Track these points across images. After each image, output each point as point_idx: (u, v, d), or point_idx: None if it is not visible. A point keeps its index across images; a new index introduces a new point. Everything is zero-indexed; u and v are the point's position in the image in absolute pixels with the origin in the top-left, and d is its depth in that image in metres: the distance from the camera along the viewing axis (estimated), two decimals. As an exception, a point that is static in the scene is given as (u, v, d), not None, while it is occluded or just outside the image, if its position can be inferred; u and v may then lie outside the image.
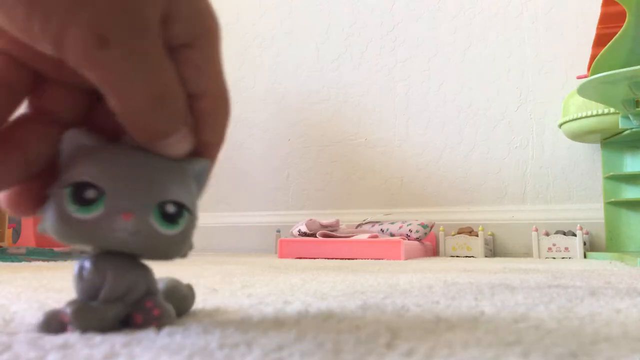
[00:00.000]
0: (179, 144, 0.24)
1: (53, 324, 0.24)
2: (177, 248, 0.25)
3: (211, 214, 1.92)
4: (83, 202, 0.23)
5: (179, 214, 0.24)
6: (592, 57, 1.13)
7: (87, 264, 0.24)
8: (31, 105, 0.25)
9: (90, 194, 0.23)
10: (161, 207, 0.24)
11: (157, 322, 0.25)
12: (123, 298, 0.25)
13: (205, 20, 0.24)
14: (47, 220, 0.24)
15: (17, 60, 0.24)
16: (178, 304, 0.28)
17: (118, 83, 0.21)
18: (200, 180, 0.26)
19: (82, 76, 0.24)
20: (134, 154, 0.24)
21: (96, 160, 0.24)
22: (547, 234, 1.44)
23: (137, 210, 0.23)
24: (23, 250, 1.15)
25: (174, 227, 0.24)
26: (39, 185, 0.24)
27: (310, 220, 1.40)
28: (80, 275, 0.24)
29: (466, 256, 1.47)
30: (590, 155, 1.55)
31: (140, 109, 0.22)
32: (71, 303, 0.24)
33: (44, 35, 0.21)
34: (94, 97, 0.25)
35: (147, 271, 0.26)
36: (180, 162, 0.25)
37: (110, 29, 0.21)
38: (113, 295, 0.24)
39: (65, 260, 1.15)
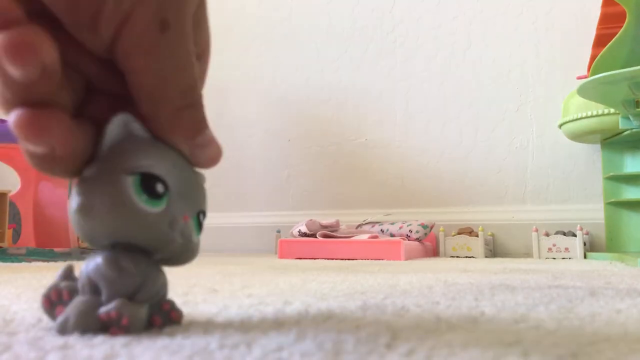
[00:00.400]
0: (206, 148, 0.25)
1: (91, 324, 0.22)
2: (194, 255, 0.26)
3: (211, 214, 1.91)
4: (153, 194, 0.23)
5: (202, 224, 0.26)
6: (592, 58, 1.13)
7: (126, 261, 0.23)
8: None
9: (160, 187, 0.23)
10: (198, 215, 0.25)
11: (174, 324, 0.25)
12: (153, 299, 0.24)
13: (210, 36, 0.26)
14: (96, 203, 0.22)
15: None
16: None
17: (162, 70, 0.22)
18: None
19: (84, 61, 0.23)
20: (181, 156, 0.25)
21: (159, 154, 0.24)
22: (547, 235, 1.44)
23: (190, 214, 0.25)
24: (23, 251, 1.15)
25: (199, 235, 0.26)
26: (66, 120, 0.22)
27: (310, 220, 1.40)
28: (119, 270, 0.23)
29: (466, 256, 1.47)
30: (590, 156, 1.55)
31: (173, 101, 0.23)
32: (119, 303, 0.23)
33: (114, 15, 0.21)
34: (89, 90, 0.25)
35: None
36: (198, 172, 0.26)
37: (171, 14, 0.21)
38: (151, 295, 0.24)
39: (65, 261, 1.15)
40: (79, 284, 0.24)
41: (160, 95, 0.23)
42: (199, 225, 0.26)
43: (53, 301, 0.24)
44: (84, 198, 0.23)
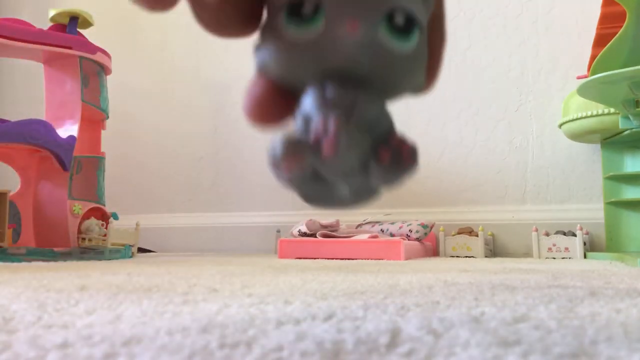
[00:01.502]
0: None
1: (301, 148, 0.21)
2: (411, 70, 0.21)
3: (211, 214, 1.91)
4: (300, 18, 0.20)
5: (410, 27, 0.21)
6: (592, 57, 1.13)
7: (331, 84, 0.21)
8: None
9: (307, 7, 0.20)
10: (389, 18, 0.20)
11: (408, 160, 0.21)
12: (371, 128, 0.21)
13: None
14: (264, 50, 0.21)
15: None
16: None
17: None
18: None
19: None
20: None
21: None
22: (547, 234, 1.44)
23: (364, 18, 0.20)
24: (23, 251, 1.15)
25: (406, 41, 0.21)
26: None
27: (310, 220, 1.40)
28: (321, 95, 0.21)
29: (466, 256, 1.47)
30: (590, 155, 1.55)
31: None
32: (323, 114, 0.21)
33: None
34: None
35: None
36: None
37: None
38: (363, 121, 0.21)
39: (65, 260, 1.15)
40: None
41: None
42: (396, 29, 0.21)
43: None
44: (257, 48, 0.22)
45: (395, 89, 0.22)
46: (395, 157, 0.21)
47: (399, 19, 0.20)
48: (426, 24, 0.22)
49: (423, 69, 0.22)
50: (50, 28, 1.39)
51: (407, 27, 0.21)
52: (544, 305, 0.34)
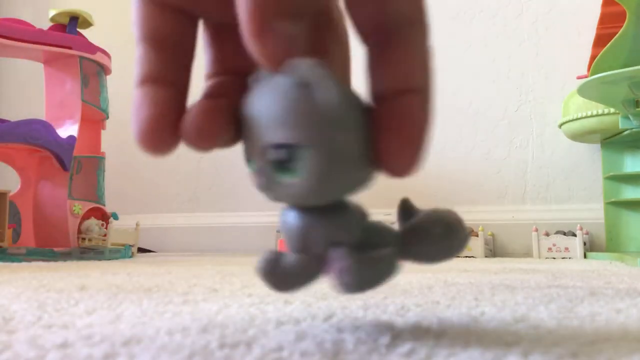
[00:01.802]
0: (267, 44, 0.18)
1: (277, 269, 0.22)
2: (327, 190, 0.20)
3: (211, 214, 1.91)
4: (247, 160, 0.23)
5: (293, 156, 0.19)
6: (592, 57, 1.14)
7: (284, 213, 0.23)
8: (217, 65, 0.24)
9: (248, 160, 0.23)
10: (270, 155, 0.20)
11: (343, 279, 0.20)
12: (305, 250, 0.22)
13: None
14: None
15: (186, 12, 0.22)
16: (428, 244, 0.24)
17: None
18: (314, 89, 0.19)
19: None
20: (266, 88, 0.20)
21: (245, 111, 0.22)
22: (547, 234, 1.44)
23: (258, 164, 0.21)
24: (23, 251, 1.15)
25: (291, 174, 0.19)
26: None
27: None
28: (282, 226, 0.22)
29: (466, 256, 1.47)
30: (590, 155, 1.55)
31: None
32: (265, 255, 0.22)
33: None
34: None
35: (333, 217, 0.21)
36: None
37: None
38: (296, 247, 0.22)
39: (65, 260, 1.15)
40: None
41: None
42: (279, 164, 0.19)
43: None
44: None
45: (327, 201, 0.21)
46: (334, 276, 0.21)
47: (272, 154, 0.19)
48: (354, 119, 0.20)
49: (345, 175, 0.20)
50: (50, 28, 1.39)
51: (289, 154, 0.19)
52: (544, 305, 0.34)
